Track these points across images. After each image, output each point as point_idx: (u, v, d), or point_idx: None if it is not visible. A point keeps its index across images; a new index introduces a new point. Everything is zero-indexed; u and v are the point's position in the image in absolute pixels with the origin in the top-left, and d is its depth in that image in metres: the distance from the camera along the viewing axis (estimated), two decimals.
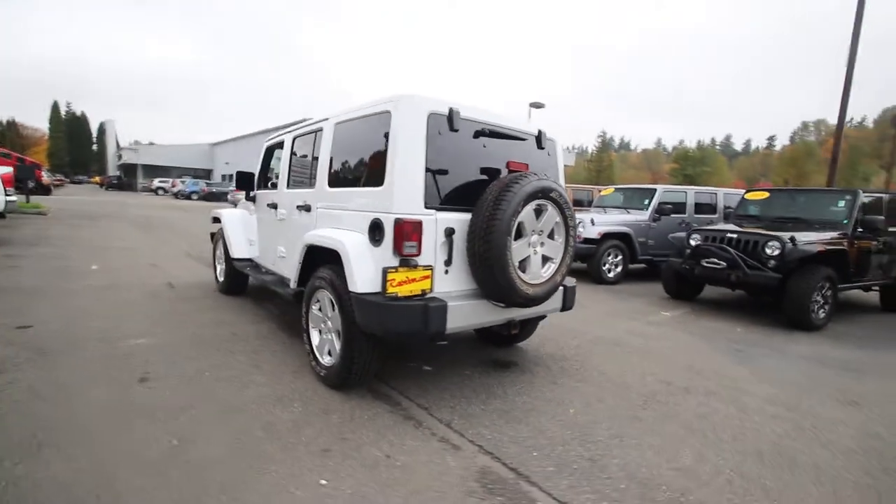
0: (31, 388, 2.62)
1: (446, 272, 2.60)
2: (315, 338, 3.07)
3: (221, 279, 5.21)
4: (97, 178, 52.67)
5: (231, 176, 42.84)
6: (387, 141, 2.52)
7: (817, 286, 5.17)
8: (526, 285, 2.62)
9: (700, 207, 8.68)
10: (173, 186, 34.01)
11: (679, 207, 8.36)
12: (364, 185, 2.69)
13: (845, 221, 5.81)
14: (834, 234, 5.64)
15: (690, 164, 61.40)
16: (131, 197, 31.40)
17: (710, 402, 3.07)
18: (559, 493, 2.00)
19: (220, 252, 5.32)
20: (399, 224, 2.39)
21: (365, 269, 2.52)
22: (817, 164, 57.51)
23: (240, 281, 5.09)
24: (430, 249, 2.51)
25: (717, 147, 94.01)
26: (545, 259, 2.82)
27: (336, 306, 2.72)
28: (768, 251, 5.38)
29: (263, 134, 35.32)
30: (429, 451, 2.26)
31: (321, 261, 3.00)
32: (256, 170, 4.46)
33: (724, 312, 6.00)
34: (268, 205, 3.97)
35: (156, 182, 37.94)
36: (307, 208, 3.24)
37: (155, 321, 3.99)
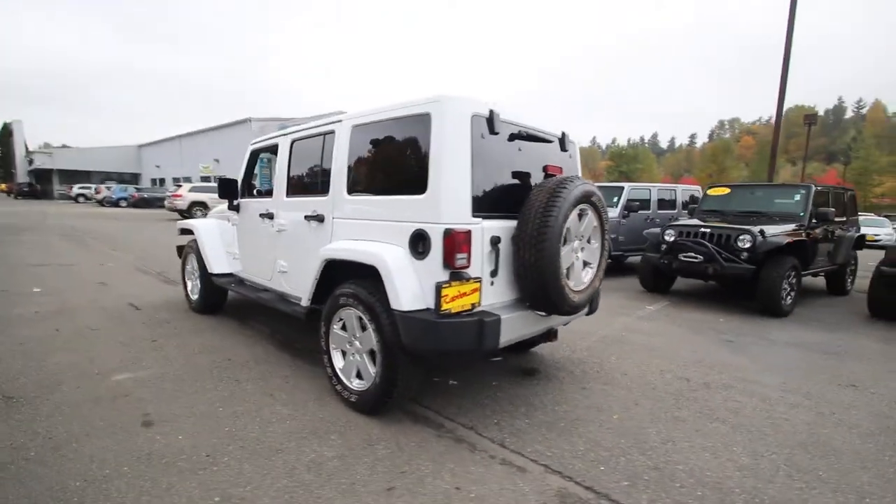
0: (13, 447, 2.17)
1: (492, 283, 2.46)
2: (338, 360, 2.82)
3: (195, 297, 4.72)
4: (3, 186, 46.88)
5: (161, 181, 39.93)
6: (426, 145, 2.33)
7: (785, 275, 5.56)
8: (572, 293, 2.54)
9: (661, 203, 9.11)
10: (97, 193, 30.93)
11: (644, 204, 8.71)
12: (399, 194, 2.48)
13: (802, 214, 6.30)
14: (793, 226, 6.09)
15: (625, 162, 64.88)
16: (49, 205, 28.20)
17: (733, 396, 3.16)
18: None
19: (191, 267, 4.82)
20: (449, 235, 2.22)
21: (410, 285, 2.32)
22: (734, 159, 62.86)
23: (217, 298, 4.64)
24: (478, 260, 2.36)
25: (646, 145, 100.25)
26: (585, 264, 2.75)
27: (370, 325, 2.50)
28: (740, 244, 5.71)
29: (202, 134, 33.13)
30: (496, 476, 2.12)
31: (341, 276, 2.76)
32: (240, 176, 4.06)
33: (700, 303, 6.30)
34: (261, 214, 3.61)
35: (76, 188, 34.36)
36: (319, 218, 2.96)
37: (133, 351, 3.51)
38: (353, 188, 2.78)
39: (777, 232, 5.80)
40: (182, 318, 4.51)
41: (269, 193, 4.35)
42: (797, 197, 6.48)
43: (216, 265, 4.33)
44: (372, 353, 2.58)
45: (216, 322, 4.41)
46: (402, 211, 2.43)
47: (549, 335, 3.09)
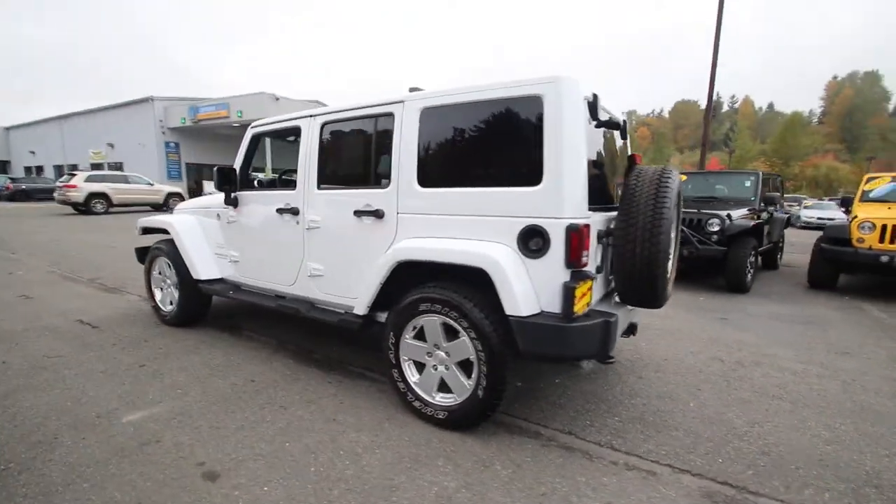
0: None
1: (594, 280, 2.31)
2: (412, 373, 2.50)
3: (169, 308, 3.99)
4: None
5: (39, 169, 33.97)
6: (536, 130, 2.09)
7: (749, 254, 6.10)
8: (669, 284, 2.48)
9: None
10: None
11: None
12: (500, 185, 2.21)
13: (753, 198, 6.94)
14: (747, 210, 6.70)
15: None
16: None
17: (768, 373, 3.35)
18: (791, 498, 1.94)
19: (161, 273, 4.06)
20: (573, 231, 2.02)
21: (525, 288, 2.09)
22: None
23: (200, 308, 3.97)
24: (592, 257, 2.19)
25: None
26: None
27: (465, 333, 2.22)
28: (710, 227, 6.15)
29: (91, 115, 28.74)
30: (635, 485, 2.00)
31: (413, 278, 2.45)
32: (237, 164, 3.44)
33: (675, 285, 6.70)
34: (278, 210, 3.09)
35: None
36: (376, 214, 2.58)
37: (126, 381, 2.85)
38: (426, 179, 2.44)
39: (740, 215, 6.34)
40: (159, 334, 3.79)
41: (274, 185, 3.80)
42: (748, 183, 7.13)
43: (204, 270, 3.68)
44: (464, 364, 2.31)
45: (204, 336, 3.76)
46: (507, 205, 2.17)
47: (633, 330, 3.02)
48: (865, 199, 6.93)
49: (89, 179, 16.51)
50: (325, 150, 2.91)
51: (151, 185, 18.33)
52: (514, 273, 2.08)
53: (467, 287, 2.27)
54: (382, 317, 2.70)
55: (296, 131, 3.08)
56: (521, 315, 2.05)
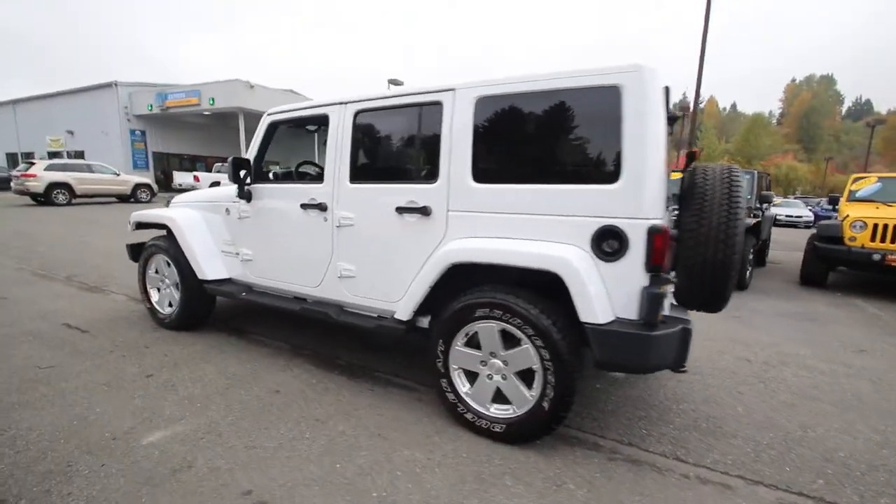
0: None
1: None
2: (462, 384, 2.33)
3: (170, 310, 3.67)
4: None
5: None
6: (613, 123, 1.94)
7: (749, 252, 6.19)
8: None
9: None
10: None
11: None
12: (570, 182, 2.05)
13: (750, 196, 7.05)
14: (746, 209, 6.79)
15: None
16: None
17: (799, 373, 3.35)
18: None
19: (159, 272, 3.73)
20: (657, 234, 1.89)
21: (601, 294, 1.95)
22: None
23: (203, 310, 3.66)
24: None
25: None
26: None
27: (529, 341, 2.07)
28: None
29: (48, 100, 26.98)
30: (714, 500, 1.90)
31: (464, 279, 2.28)
32: (251, 154, 3.15)
33: None
34: (302, 205, 2.83)
35: None
36: (423, 211, 2.38)
37: (136, 395, 2.56)
38: (482, 175, 2.26)
39: None
40: (160, 339, 3.47)
41: (290, 178, 3.52)
42: (744, 182, 7.23)
43: (211, 270, 3.38)
44: (524, 374, 2.16)
45: (210, 341, 3.47)
46: (578, 204, 2.02)
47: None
48: (853, 198, 7.15)
49: (50, 168, 15.43)
50: (359, 141, 2.67)
51: (118, 174, 17.30)
52: (590, 277, 1.94)
53: (528, 292, 2.12)
54: (424, 321, 2.52)
55: (321, 120, 2.83)
56: (599, 323, 1.91)
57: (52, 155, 24.20)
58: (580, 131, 2.06)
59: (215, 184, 19.67)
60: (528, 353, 2.10)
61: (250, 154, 3.16)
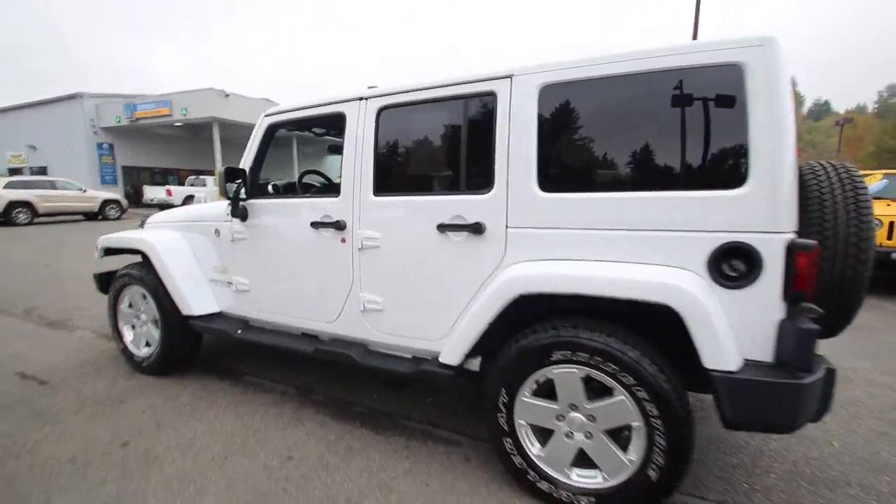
0: None
1: None
2: (531, 443, 1.86)
3: (147, 351, 3.09)
4: None
5: None
6: (733, 111, 1.53)
7: None
8: None
9: None
10: None
11: None
12: (677, 188, 1.61)
13: None
14: None
15: None
16: None
17: (872, 391, 3.00)
18: None
19: (133, 306, 3.15)
20: (803, 251, 1.47)
21: (728, 331, 1.52)
22: None
23: (188, 351, 3.09)
24: None
25: None
26: None
27: (625, 393, 1.62)
28: None
29: (6, 113, 25.43)
30: None
31: (528, 313, 1.82)
32: (246, 164, 2.63)
33: None
34: (313, 223, 2.33)
35: None
36: (475, 228, 1.91)
37: (111, 477, 2.00)
38: (552, 182, 1.80)
39: None
40: (137, 388, 2.89)
41: (293, 191, 3.00)
42: None
43: (197, 303, 2.83)
44: (618, 432, 1.71)
45: (198, 388, 2.91)
46: (689, 215, 1.59)
47: None
48: None
49: (10, 186, 14.38)
50: (385, 144, 2.19)
51: (84, 191, 16.28)
52: (715, 310, 1.50)
53: (620, 328, 1.67)
54: (474, 363, 2.05)
55: (335, 120, 2.34)
56: (731, 370, 1.47)
57: (13, 171, 22.80)
58: (688, 123, 1.63)
59: (189, 198, 18.80)
60: (624, 407, 1.65)
61: (245, 163, 2.64)
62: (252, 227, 2.65)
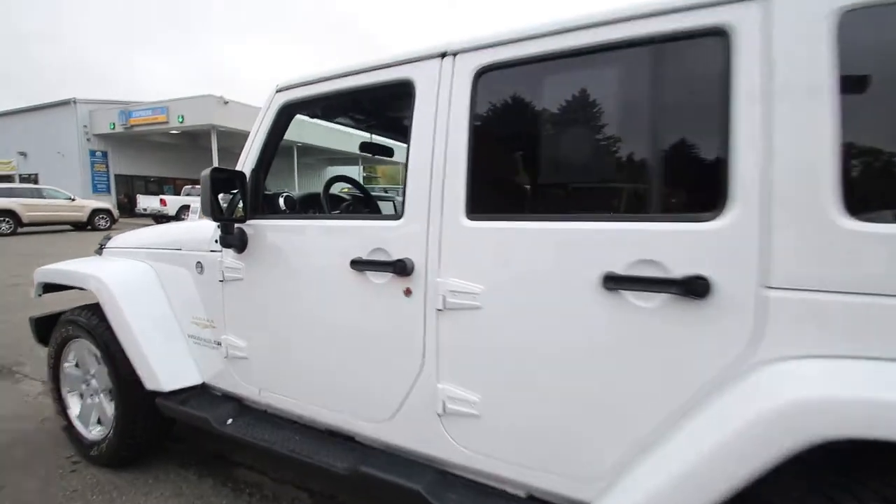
0: None
1: None
2: None
3: (98, 432, 2.16)
4: None
5: None
6: None
7: None
8: None
9: None
10: None
11: None
12: None
13: None
14: None
15: None
16: None
17: None
18: None
19: (81, 367, 2.22)
20: None
21: None
22: None
23: (154, 436, 2.14)
24: None
25: None
26: None
27: None
28: None
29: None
30: None
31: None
32: (246, 165, 1.71)
33: None
34: (355, 263, 1.41)
35: None
36: (690, 287, 0.97)
37: None
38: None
39: None
40: (83, 487, 1.94)
41: (315, 206, 2.09)
42: None
43: (168, 373, 1.90)
44: None
45: (168, 486, 1.97)
46: None
47: None
48: None
49: None
50: (488, 131, 1.28)
51: (72, 199, 15.41)
52: None
53: None
54: None
55: (393, 91, 1.44)
56: None
57: (2, 179, 21.87)
58: None
59: (184, 208, 17.83)
60: None
61: (244, 163, 1.72)
62: (253, 262, 1.71)
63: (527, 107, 1.29)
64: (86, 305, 2.20)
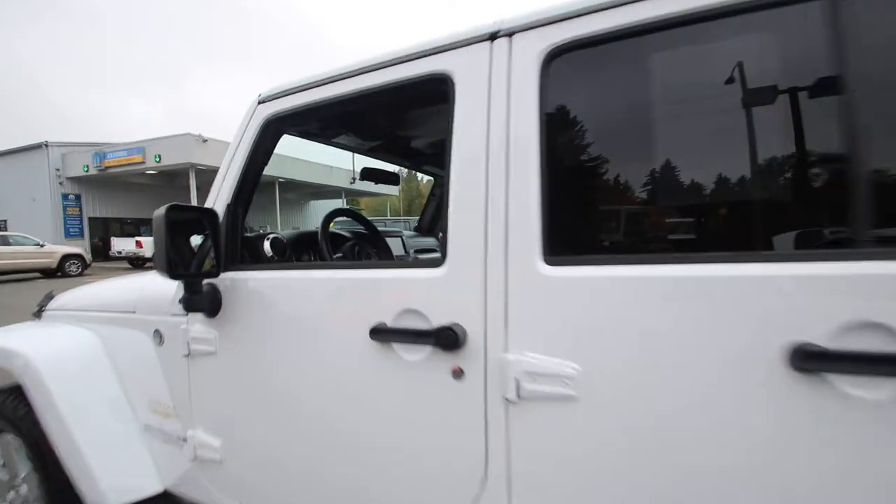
0: None
1: None
2: None
3: None
4: None
5: None
6: None
7: None
8: None
9: None
10: None
11: None
12: None
13: None
14: None
15: None
16: None
17: None
18: None
19: (4, 465, 1.69)
20: None
21: None
22: None
23: None
24: None
25: None
26: None
27: None
28: None
29: None
30: None
31: None
32: (218, 201, 1.30)
33: None
34: (375, 332, 0.98)
35: None
36: None
37: None
38: None
39: None
40: None
41: (312, 251, 1.68)
42: None
43: (117, 482, 1.41)
44: None
45: None
46: None
47: None
48: None
49: None
50: (570, 137, 0.90)
51: (41, 245, 14.63)
52: None
53: None
54: None
55: (422, 89, 1.06)
56: None
57: None
58: None
59: None
60: None
61: (217, 199, 1.29)
62: (230, 331, 1.27)
63: (628, 99, 0.91)
64: (11, 387, 1.70)
